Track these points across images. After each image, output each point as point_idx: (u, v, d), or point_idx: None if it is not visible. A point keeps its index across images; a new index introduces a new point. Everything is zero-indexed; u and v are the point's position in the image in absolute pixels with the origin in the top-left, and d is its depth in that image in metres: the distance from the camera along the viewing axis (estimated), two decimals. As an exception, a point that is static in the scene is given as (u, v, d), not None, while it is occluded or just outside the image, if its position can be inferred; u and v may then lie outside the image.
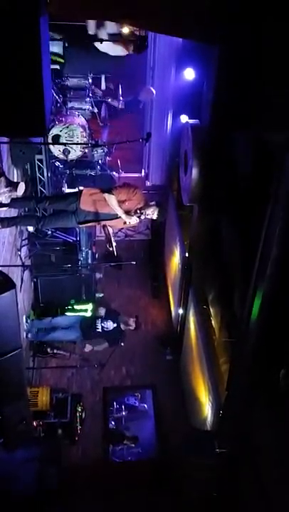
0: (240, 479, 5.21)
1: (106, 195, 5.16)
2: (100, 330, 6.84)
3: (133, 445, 6.89)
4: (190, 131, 5.83)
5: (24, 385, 4.53)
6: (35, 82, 2.96)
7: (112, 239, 5.29)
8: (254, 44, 3.61)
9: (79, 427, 6.80)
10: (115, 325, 6.84)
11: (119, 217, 5.23)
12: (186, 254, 7.29)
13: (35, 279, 7.71)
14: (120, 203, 5.18)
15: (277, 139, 3.62)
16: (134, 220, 5.27)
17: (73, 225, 5.53)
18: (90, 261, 7.55)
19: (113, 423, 7.22)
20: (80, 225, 5.48)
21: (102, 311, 7.11)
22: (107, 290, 8.86)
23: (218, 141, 5.27)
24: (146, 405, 7.54)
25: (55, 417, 6.65)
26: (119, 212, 5.18)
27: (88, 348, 6.95)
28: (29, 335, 7.03)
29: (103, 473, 6.34)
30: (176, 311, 8.17)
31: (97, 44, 6.47)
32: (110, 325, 6.84)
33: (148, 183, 9.31)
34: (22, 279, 6.86)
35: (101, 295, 8.38)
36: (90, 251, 7.48)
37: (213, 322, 6.44)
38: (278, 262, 4.01)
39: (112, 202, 5.15)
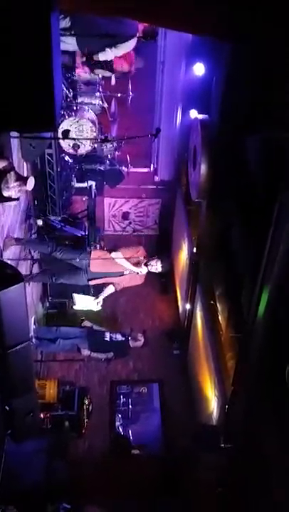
0: (246, 476, 5.23)
1: (113, 253, 6.11)
2: (107, 339, 6.83)
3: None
4: (199, 126, 5.82)
5: (32, 378, 4.57)
6: (46, 76, 2.98)
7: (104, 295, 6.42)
8: (266, 42, 3.59)
9: (86, 420, 6.83)
10: (123, 338, 6.87)
11: (125, 274, 6.17)
12: (194, 250, 7.29)
13: (43, 273, 7.75)
14: (126, 259, 6.09)
15: (287, 135, 3.62)
16: (144, 270, 6.18)
17: (83, 283, 6.43)
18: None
19: (120, 416, 7.28)
20: (90, 282, 6.37)
21: (87, 324, 7.07)
22: (115, 285, 8.86)
23: (227, 137, 5.25)
24: (152, 399, 7.59)
25: (62, 410, 6.69)
26: (128, 265, 6.12)
27: (85, 352, 6.79)
28: (33, 340, 6.73)
29: (109, 468, 6.38)
30: (183, 306, 8.19)
31: None
32: (119, 337, 6.87)
33: (157, 178, 9.30)
34: (31, 273, 6.90)
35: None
36: (98, 245, 7.50)
37: (220, 318, 6.44)
38: (285, 258, 4.01)
39: (120, 257, 6.06)
